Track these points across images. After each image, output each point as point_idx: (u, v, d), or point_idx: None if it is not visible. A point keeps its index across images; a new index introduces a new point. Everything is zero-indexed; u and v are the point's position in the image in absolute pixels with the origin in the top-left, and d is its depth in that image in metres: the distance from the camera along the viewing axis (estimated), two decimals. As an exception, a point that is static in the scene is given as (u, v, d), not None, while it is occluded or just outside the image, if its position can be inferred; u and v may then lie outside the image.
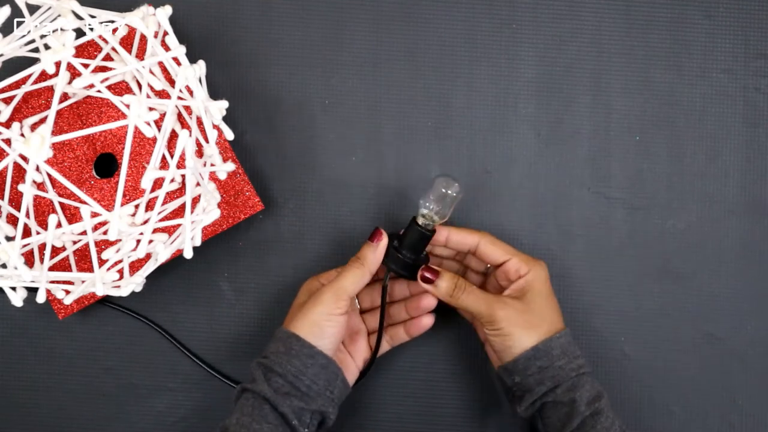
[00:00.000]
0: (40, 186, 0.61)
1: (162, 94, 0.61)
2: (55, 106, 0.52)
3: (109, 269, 0.58)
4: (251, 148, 0.66)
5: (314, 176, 0.66)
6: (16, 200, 0.61)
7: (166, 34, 0.57)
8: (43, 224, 0.61)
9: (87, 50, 0.62)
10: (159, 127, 0.59)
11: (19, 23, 0.62)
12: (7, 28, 0.59)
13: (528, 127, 0.66)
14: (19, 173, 0.61)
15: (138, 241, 0.57)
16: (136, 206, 0.59)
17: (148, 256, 0.60)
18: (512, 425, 0.65)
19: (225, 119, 0.62)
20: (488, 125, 0.66)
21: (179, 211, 0.61)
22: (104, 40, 0.59)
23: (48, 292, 0.61)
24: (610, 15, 0.66)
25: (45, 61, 0.52)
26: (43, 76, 0.60)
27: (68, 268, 0.61)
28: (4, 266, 0.56)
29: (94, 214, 0.57)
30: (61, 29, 0.55)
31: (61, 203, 0.61)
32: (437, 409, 0.66)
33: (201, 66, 0.59)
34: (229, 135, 0.60)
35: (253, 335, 0.66)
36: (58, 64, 0.58)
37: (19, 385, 0.66)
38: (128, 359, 0.66)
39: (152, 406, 0.66)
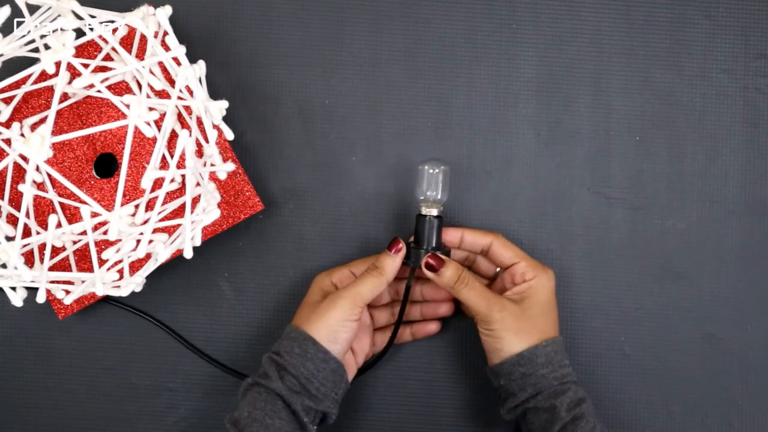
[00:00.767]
0: (40, 186, 0.61)
1: (162, 94, 0.61)
2: (55, 106, 0.52)
3: (109, 269, 0.58)
4: (251, 148, 0.66)
5: (314, 176, 0.66)
6: (16, 200, 0.61)
7: (166, 34, 0.57)
8: (43, 224, 0.61)
9: (87, 50, 0.62)
10: (159, 127, 0.59)
11: (19, 23, 0.62)
12: (7, 28, 0.59)
13: (528, 127, 0.66)
14: (19, 173, 0.61)
15: (138, 241, 0.57)
16: (136, 206, 0.59)
17: (148, 256, 0.60)
18: (510, 425, 0.65)
19: (225, 119, 0.62)
20: (488, 125, 0.66)
21: (179, 211, 0.61)
22: (104, 40, 0.59)
23: (48, 292, 0.61)
24: (610, 15, 0.66)
25: (45, 61, 0.52)
26: (43, 76, 0.60)
27: (68, 268, 0.61)
28: (4, 266, 0.56)
29: (94, 214, 0.57)
30: (61, 29, 0.55)
31: (61, 203, 0.61)
32: (437, 409, 0.66)
33: (201, 66, 0.59)
34: (229, 135, 0.60)
35: (253, 335, 0.66)
36: (58, 64, 0.58)
37: (19, 385, 0.66)
38: (128, 359, 0.66)
39: (152, 406, 0.66)
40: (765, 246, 0.66)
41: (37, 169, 0.60)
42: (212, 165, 0.60)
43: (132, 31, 0.61)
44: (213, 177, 0.62)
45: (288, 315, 0.65)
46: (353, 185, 0.66)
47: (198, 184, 0.59)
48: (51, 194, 0.60)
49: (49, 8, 0.57)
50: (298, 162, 0.66)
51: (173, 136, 0.60)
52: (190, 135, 0.57)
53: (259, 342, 0.66)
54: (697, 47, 0.66)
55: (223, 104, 0.59)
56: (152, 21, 0.57)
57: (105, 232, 0.59)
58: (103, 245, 0.61)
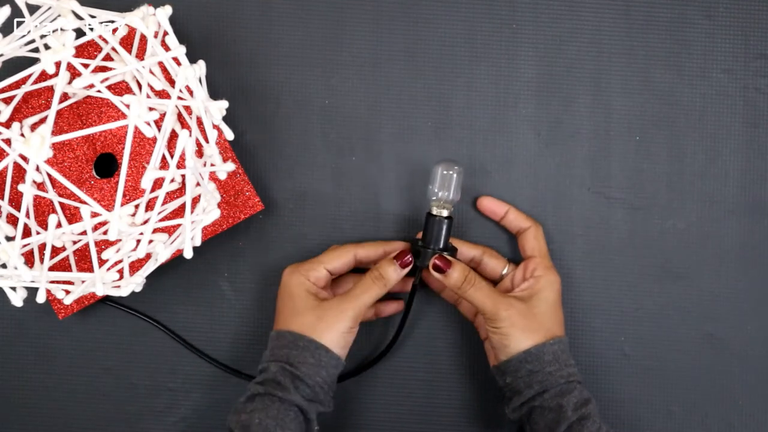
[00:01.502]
0: (40, 186, 0.61)
1: (162, 94, 0.61)
2: (55, 106, 0.52)
3: (109, 269, 0.58)
4: (251, 148, 0.66)
5: (314, 176, 0.66)
6: (16, 200, 0.61)
7: (166, 34, 0.57)
8: (43, 224, 0.61)
9: (87, 50, 0.62)
10: (159, 127, 0.59)
11: (19, 23, 0.62)
12: (7, 28, 0.59)
13: (528, 127, 0.66)
14: (19, 173, 0.61)
15: (138, 241, 0.57)
16: (136, 206, 0.59)
17: (148, 256, 0.60)
18: (512, 425, 0.65)
19: (225, 119, 0.62)
20: (488, 125, 0.66)
21: (179, 211, 0.61)
22: (104, 40, 0.59)
23: (48, 292, 0.61)
24: (610, 15, 0.66)
25: (45, 61, 0.52)
26: (43, 76, 0.60)
27: (68, 268, 0.61)
28: (4, 266, 0.56)
29: (94, 214, 0.57)
30: (61, 29, 0.55)
31: (61, 203, 0.61)
32: (437, 409, 0.66)
33: (201, 66, 0.59)
34: (229, 135, 0.60)
35: (253, 335, 0.66)
36: (58, 64, 0.58)
37: (19, 385, 0.66)
38: (128, 359, 0.66)
39: (152, 406, 0.66)
40: (765, 246, 0.66)
41: (37, 169, 0.60)
42: (212, 165, 0.60)
43: (132, 31, 0.61)
44: (213, 177, 0.62)
45: (288, 315, 0.65)
46: (353, 185, 0.66)
47: (198, 184, 0.59)
48: (51, 194, 0.60)
49: (49, 8, 0.57)
50: (298, 162, 0.66)
51: (173, 136, 0.60)
52: (190, 135, 0.57)
53: (259, 342, 0.66)
54: (697, 47, 0.66)
55: (223, 104, 0.59)
56: (152, 21, 0.57)
57: (105, 232, 0.59)
58: (103, 245, 0.61)
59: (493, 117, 0.66)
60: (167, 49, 0.58)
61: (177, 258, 0.63)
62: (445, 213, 0.60)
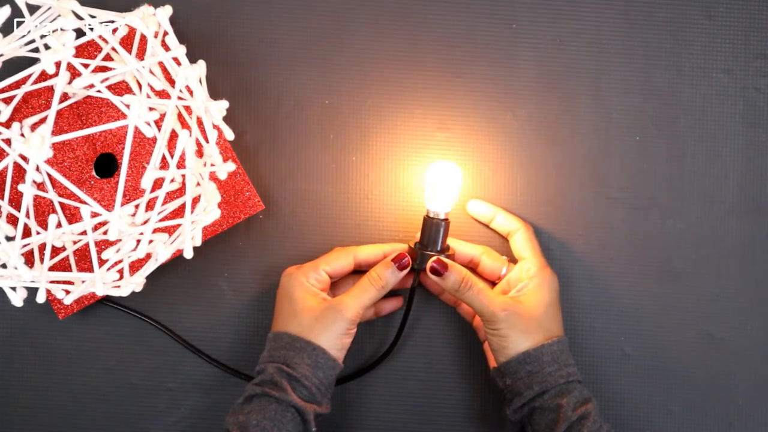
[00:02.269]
0: (40, 186, 0.61)
1: (162, 94, 0.61)
2: (55, 106, 0.52)
3: (109, 269, 0.58)
4: (251, 148, 0.66)
5: (314, 176, 0.66)
6: (16, 200, 0.61)
7: (166, 34, 0.57)
8: (43, 224, 0.61)
9: (87, 50, 0.62)
10: (159, 127, 0.59)
11: (19, 23, 0.62)
12: (7, 28, 0.59)
13: (528, 127, 0.66)
14: (19, 173, 0.61)
15: (138, 241, 0.57)
16: (136, 206, 0.59)
17: (148, 256, 0.60)
18: (512, 426, 0.65)
19: (225, 119, 0.62)
20: (488, 125, 0.66)
21: (179, 211, 0.61)
22: (104, 40, 0.59)
23: (48, 292, 0.61)
24: (610, 15, 0.66)
25: (45, 61, 0.52)
26: (43, 76, 0.60)
27: (68, 268, 0.61)
28: (4, 266, 0.56)
29: (94, 214, 0.57)
30: (61, 29, 0.55)
31: (61, 203, 0.61)
32: (437, 409, 0.66)
33: (201, 66, 0.59)
34: (229, 135, 0.60)
35: (253, 335, 0.66)
36: (58, 64, 0.58)
37: (19, 385, 0.66)
38: (128, 359, 0.66)
39: (152, 406, 0.66)
40: (765, 246, 0.66)
41: (37, 169, 0.60)
42: (212, 165, 0.60)
43: (132, 31, 0.61)
44: (213, 177, 0.62)
45: (288, 315, 0.65)
46: (353, 185, 0.66)
47: (198, 184, 0.59)
48: (51, 194, 0.60)
49: (49, 8, 0.57)
50: (298, 162, 0.66)
51: (173, 136, 0.60)
52: (190, 135, 0.57)
53: (259, 342, 0.66)
54: (697, 47, 0.66)
55: (223, 104, 0.59)
56: (152, 21, 0.57)
57: (105, 232, 0.59)
58: (103, 245, 0.61)
59: (493, 117, 0.66)
60: (167, 49, 0.58)
61: (177, 258, 0.63)
62: (442, 215, 0.61)
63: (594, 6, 0.66)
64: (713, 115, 0.66)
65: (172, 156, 0.59)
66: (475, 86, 0.66)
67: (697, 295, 0.66)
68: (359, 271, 0.63)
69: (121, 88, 0.61)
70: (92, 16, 0.57)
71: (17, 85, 0.60)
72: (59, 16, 0.56)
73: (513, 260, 0.63)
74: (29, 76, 0.58)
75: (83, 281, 0.57)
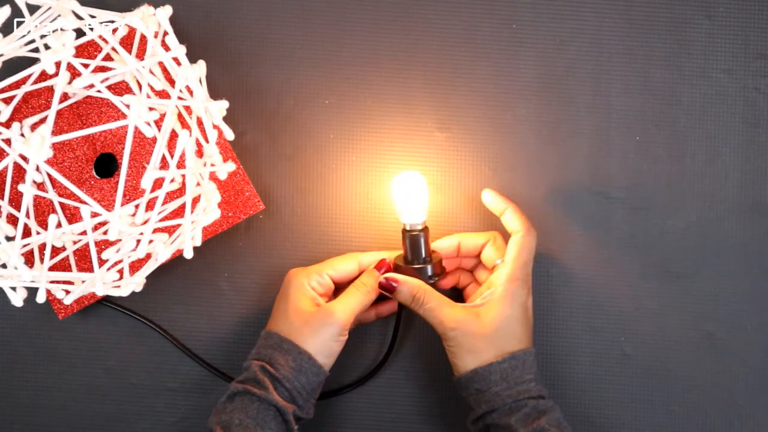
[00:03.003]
0: (40, 186, 0.61)
1: (162, 94, 0.61)
2: (55, 106, 0.52)
3: (109, 269, 0.58)
4: (251, 148, 0.66)
5: (314, 176, 0.66)
6: (16, 200, 0.61)
7: (166, 34, 0.57)
8: (43, 224, 0.61)
9: (87, 50, 0.62)
10: (159, 127, 0.59)
11: (19, 23, 0.62)
12: (7, 28, 0.59)
13: (528, 127, 0.66)
14: (19, 173, 0.61)
15: (138, 241, 0.57)
16: (136, 206, 0.59)
17: (148, 256, 0.60)
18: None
19: (225, 119, 0.62)
20: (488, 125, 0.66)
21: (179, 211, 0.61)
22: (104, 40, 0.59)
23: (48, 292, 0.61)
24: (610, 15, 0.66)
25: (45, 61, 0.52)
26: (43, 76, 0.60)
27: (68, 268, 0.61)
28: (4, 266, 0.56)
29: (94, 214, 0.57)
30: (61, 29, 0.55)
31: (61, 203, 0.61)
32: (437, 409, 0.66)
33: (201, 66, 0.59)
34: (229, 135, 0.60)
35: (253, 335, 0.66)
36: (58, 64, 0.58)
37: (19, 385, 0.66)
38: (128, 359, 0.66)
39: (152, 406, 0.66)
40: (765, 246, 0.66)
41: (37, 169, 0.60)
42: (212, 165, 0.60)
43: (132, 31, 0.61)
44: (213, 177, 0.62)
45: (288, 315, 0.65)
46: (353, 185, 0.66)
47: (198, 184, 0.59)
48: (51, 194, 0.60)
49: (49, 8, 0.57)
50: (298, 162, 0.66)
51: (173, 136, 0.60)
52: (190, 135, 0.57)
53: (259, 342, 0.66)
54: (697, 47, 0.66)
55: (224, 104, 0.59)
56: (152, 21, 0.57)
57: (105, 232, 0.59)
58: (103, 245, 0.61)
59: (493, 117, 0.66)
60: (167, 49, 0.58)
61: (177, 258, 0.63)
62: (419, 226, 0.60)
63: (594, 6, 0.66)
64: (713, 115, 0.66)
65: (172, 156, 0.59)
66: (475, 86, 0.66)
67: (697, 295, 0.66)
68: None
69: (121, 88, 0.61)
70: (92, 16, 0.57)
71: (17, 85, 0.60)
72: (59, 16, 0.56)
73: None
74: (29, 76, 0.58)
75: (83, 281, 0.57)
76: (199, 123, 0.61)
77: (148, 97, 0.59)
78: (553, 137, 0.66)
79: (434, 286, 0.60)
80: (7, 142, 0.59)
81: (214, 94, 0.64)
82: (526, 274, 0.59)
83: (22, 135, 0.60)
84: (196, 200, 0.60)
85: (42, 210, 0.62)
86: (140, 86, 0.59)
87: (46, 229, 0.60)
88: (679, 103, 0.66)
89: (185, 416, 0.66)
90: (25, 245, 0.57)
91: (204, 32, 0.66)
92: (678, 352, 0.66)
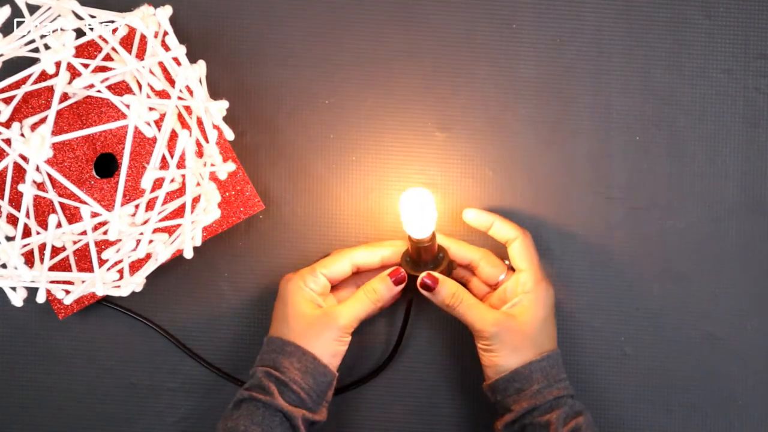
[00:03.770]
0: (40, 186, 0.61)
1: (162, 94, 0.61)
2: (55, 106, 0.52)
3: (109, 269, 0.58)
4: (251, 148, 0.66)
5: (314, 176, 0.66)
6: (16, 200, 0.61)
7: (166, 34, 0.57)
8: (43, 224, 0.61)
9: (87, 50, 0.62)
10: (159, 127, 0.59)
11: (19, 23, 0.62)
12: (7, 28, 0.59)
13: (528, 127, 0.66)
14: (19, 173, 0.61)
15: (138, 241, 0.57)
16: (136, 206, 0.59)
17: (148, 256, 0.60)
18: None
19: (225, 119, 0.62)
20: (488, 125, 0.66)
21: (179, 211, 0.61)
22: (104, 40, 0.59)
23: (48, 292, 0.61)
24: (610, 15, 0.66)
25: (45, 61, 0.52)
26: (43, 76, 0.60)
27: (68, 268, 0.61)
28: (4, 266, 0.56)
29: (94, 214, 0.57)
30: (61, 29, 0.55)
31: (61, 203, 0.61)
32: (437, 409, 0.66)
33: (201, 66, 0.59)
34: (229, 135, 0.60)
35: (253, 335, 0.66)
36: (58, 64, 0.58)
37: (19, 385, 0.66)
38: (128, 359, 0.66)
39: (152, 406, 0.66)
40: (765, 246, 0.66)
41: (37, 169, 0.60)
42: (212, 165, 0.60)
43: (132, 31, 0.61)
44: (213, 177, 0.62)
45: (288, 315, 0.65)
46: (353, 185, 0.66)
47: (198, 184, 0.59)
48: (51, 194, 0.60)
49: (49, 8, 0.57)
50: (298, 162, 0.66)
51: (173, 136, 0.60)
52: (190, 135, 0.57)
53: (259, 342, 0.66)
54: (697, 47, 0.66)
55: (224, 104, 0.59)
56: (152, 21, 0.57)
57: (105, 232, 0.59)
58: (103, 245, 0.61)
59: (493, 117, 0.66)
60: (167, 49, 0.58)
61: (177, 258, 0.63)
62: (426, 238, 0.59)
63: (594, 6, 0.66)
64: (713, 115, 0.66)
65: (172, 156, 0.59)
66: (475, 86, 0.66)
67: (697, 295, 0.66)
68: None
69: (121, 88, 0.61)
70: (92, 16, 0.57)
71: (17, 85, 0.60)
72: (59, 16, 0.56)
73: (512, 267, 0.63)
74: (29, 76, 0.58)
75: (83, 281, 0.57)
76: (199, 123, 0.61)
77: (148, 97, 0.59)
78: (553, 137, 0.66)
79: None
80: (7, 142, 0.59)
81: (214, 94, 0.64)
82: (545, 275, 0.60)
83: (22, 135, 0.60)
84: (196, 200, 0.60)
85: (42, 210, 0.62)
86: (140, 86, 0.59)
87: (46, 229, 0.60)
88: (679, 103, 0.66)
89: (185, 416, 0.66)
90: (25, 245, 0.57)
91: (204, 32, 0.66)
92: (678, 352, 0.66)
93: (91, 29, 0.58)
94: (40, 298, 0.55)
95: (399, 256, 0.62)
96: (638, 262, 0.66)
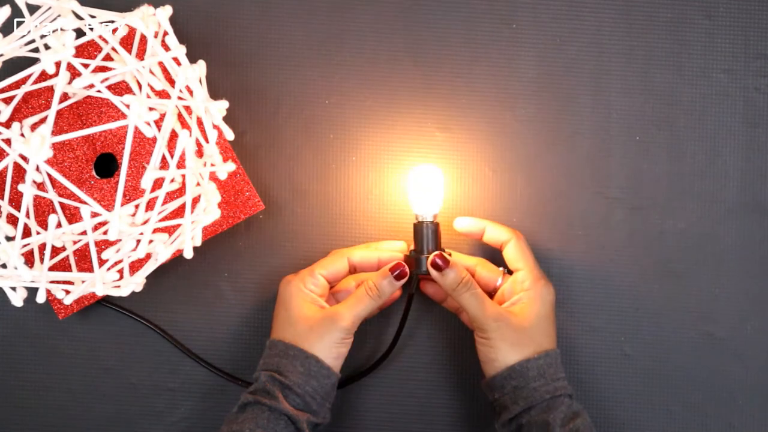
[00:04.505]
0: (40, 186, 0.61)
1: (162, 94, 0.61)
2: (55, 106, 0.52)
3: (109, 269, 0.58)
4: (251, 148, 0.66)
5: (314, 176, 0.66)
6: (16, 200, 0.61)
7: (166, 34, 0.57)
8: (43, 224, 0.61)
9: (87, 50, 0.62)
10: (159, 127, 0.59)
11: (19, 23, 0.62)
12: (7, 28, 0.59)
13: (528, 127, 0.66)
14: (19, 173, 0.61)
15: (138, 241, 0.57)
16: (136, 206, 0.59)
17: (148, 256, 0.60)
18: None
19: (225, 119, 0.62)
20: (488, 125, 0.66)
21: (179, 211, 0.61)
22: (104, 40, 0.59)
23: (48, 292, 0.61)
24: (610, 15, 0.66)
25: (45, 61, 0.52)
26: (43, 76, 0.60)
27: (68, 268, 0.61)
28: (4, 266, 0.56)
29: (94, 214, 0.57)
30: (61, 29, 0.55)
31: (61, 203, 0.61)
32: (437, 409, 0.66)
33: (201, 66, 0.59)
34: (229, 135, 0.60)
35: (253, 335, 0.66)
36: (58, 64, 0.58)
37: (19, 385, 0.66)
38: (128, 359, 0.66)
39: (152, 406, 0.66)
40: (765, 246, 0.66)
41: (37, 169, 0.60)
42: (212, 165, 0.60)
43: (132, 31, 0.61)
44: (213, 177, 0.62)
45: (288, 315, 0.65)
46: (353, 185, 0.66)
47: (198, 184, 0.59)
48: (51, 194, 0.60)
49: (49, 8, 0.57)
50: (298, 162, 0.66)
51: (173, 136, 0.60)
52: (190, 135, 0.57)
53: (259, 343, 0.66)
54: (697, 47, 0.66)
55: (223, 104, 0.59)
56: (152, 21, 0.57)
57: (105, 232, 0.59)
58: (103, 245, 0.61)
59: (493, 117, 0.66)
60: (167, 49, 0.58)
61: (177, 258, 0.63)
62: (429, 217, 0.60)
63: (594, 6, 0.66)
64: (713, 115, 0.66)
65: (172, 156, 0.59)
66: (475, 86, 0.66)
67: (697, 295, 0.66)
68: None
69: (121, 88, 0.61)
70: (92, 16, 0.57)
71: (17, 85, 0.60)
72: (59, 16, 0.56)
73: (509, 270, 0.63)
74: (29, 76, 0.58)
75: (83, 281, 0.57)
76: (199, 123, 0.61)
77: (148, 97, 0.59)
78: (553, 137, 0.66)
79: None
80: (7, 142, 0.59)
81: (214, 94, 0.64)
82: (543, 273, 0.60)
83: (22, 135, 0.60)
84: (196, 200, 0.60)
85: (42, 210, 0.62)
86: (140, 86, 0.59)
87: (46, 229, 0.60)
88: (679, 103, 0.66)
89: (185, 416, 0.66)
90: (25, 245, 0.57)
91: (204, 32, 0.66)
92: (678, 352, 0.66)
93: (91, 29, 0.58)
94: (40, 298, 0.55)
95: (397, 258, 0.62)
96: (638, 262, 0.66)
